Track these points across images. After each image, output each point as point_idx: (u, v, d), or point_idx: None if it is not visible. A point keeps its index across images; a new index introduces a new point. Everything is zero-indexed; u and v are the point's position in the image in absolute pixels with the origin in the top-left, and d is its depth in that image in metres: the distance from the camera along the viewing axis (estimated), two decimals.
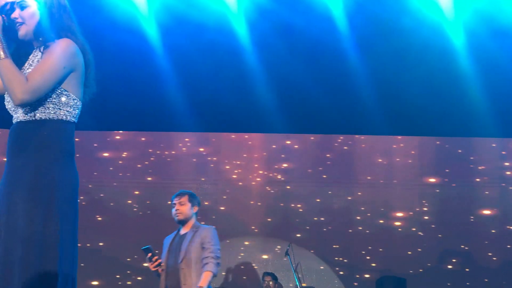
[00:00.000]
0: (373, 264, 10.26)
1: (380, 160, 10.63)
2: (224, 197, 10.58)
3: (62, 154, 3.64)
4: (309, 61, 9.27)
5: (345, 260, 10.35)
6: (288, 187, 10.60)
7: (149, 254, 6.71)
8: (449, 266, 10.27)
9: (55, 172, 3.58)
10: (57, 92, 3.67)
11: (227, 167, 10.67)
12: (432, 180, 10.56)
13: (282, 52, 9.11)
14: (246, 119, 10.08)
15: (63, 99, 3.68)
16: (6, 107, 3.78)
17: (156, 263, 6.72)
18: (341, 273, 10.29)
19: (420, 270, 10.21)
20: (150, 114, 9.98)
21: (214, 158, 10.70)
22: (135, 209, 10.52)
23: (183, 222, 6.94)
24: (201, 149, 10.72)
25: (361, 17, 8.93)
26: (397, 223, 10.42)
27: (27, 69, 3.74)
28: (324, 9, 8.77)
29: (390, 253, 10.26)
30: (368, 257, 10.33)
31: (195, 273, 6.61)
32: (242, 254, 10.41)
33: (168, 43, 8.89)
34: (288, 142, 10.74)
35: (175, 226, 6.76)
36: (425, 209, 10.47)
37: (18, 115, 3.67)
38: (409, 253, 10.29)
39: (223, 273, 10.15)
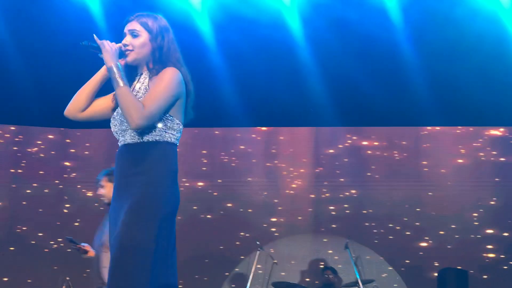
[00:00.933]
0: (436, 263, 10.14)
1: (447, 156, 10.44)
2: (285, 194, 10.58)
3: (168, 174, 3.88)
4: (363, 55, 9.23)
5: (407, 261, 10.27)
6: (353, 189, 10.53)
7: (72, 245, 6.60)
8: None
9: (162, 190, 3.83)
10: (164, 118, 3.90)
11: (284, 164, 10.66)
12: (497, 179, 10.37)
13: (336, 46, 9.09)
14: (300, 114, 10.07)
15: (169, 123, 3.92)
16: (112, 130, 4.03)
17: (82, 251, 6.58)
18: (403, 269, 10.22)
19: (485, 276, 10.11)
20: (203, 110, 10.01)
21: (274, 155, 10.67)
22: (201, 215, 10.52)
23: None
24: (262, 147, 10.69)
25: (415, 9, 8.87)
26: (468, 222, 10.27)
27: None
28: (377, 2, 8.74)
29: (456, 253, 10.12)
30: (431, 256, 10.21)
31: None
32: (303, 249, 10.42)
33: (222, 40, 8.94)
34: (348, 137, 10.63)
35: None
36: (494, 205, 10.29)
37: (126, 138, 3.93)
38: (482, 254, 10.16)
39: (280, 272, 10.18)
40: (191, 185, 10.53)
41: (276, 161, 10.63)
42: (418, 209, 10.33)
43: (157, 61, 3.98)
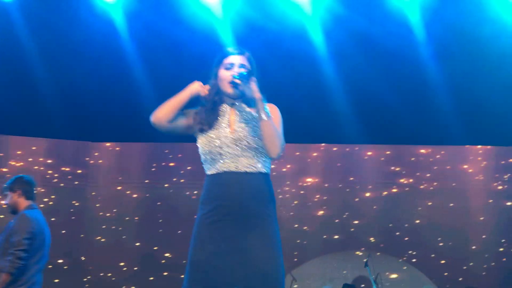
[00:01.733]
0: (460, 278, 10.04)
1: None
2: (310, 215, 10.54)
3: (275, 204, 4.17)
4: (386, 70, 9.20)
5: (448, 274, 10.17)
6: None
7: None
8: None
9: (276, 220, 4.14)
10: None
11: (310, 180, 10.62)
12: None
13: (358, 61, 9.08)
14: (323, 129, 10.03)
15: None
16: (212, 151, 4.15)
17: None
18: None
19: None
20: None
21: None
22: None
23: (15, 213, 6.31)
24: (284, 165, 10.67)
25: (439, 25, 8.85)
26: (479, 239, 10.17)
27: (226, 121, 4.21)
28: (401, 17, 8.72)
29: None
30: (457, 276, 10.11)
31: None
32: (323, 269, 10.36)
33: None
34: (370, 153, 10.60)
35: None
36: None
37: (238, 165, 4.11)
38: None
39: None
40: None
41: (301, 182, 10.60)
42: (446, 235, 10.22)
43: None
